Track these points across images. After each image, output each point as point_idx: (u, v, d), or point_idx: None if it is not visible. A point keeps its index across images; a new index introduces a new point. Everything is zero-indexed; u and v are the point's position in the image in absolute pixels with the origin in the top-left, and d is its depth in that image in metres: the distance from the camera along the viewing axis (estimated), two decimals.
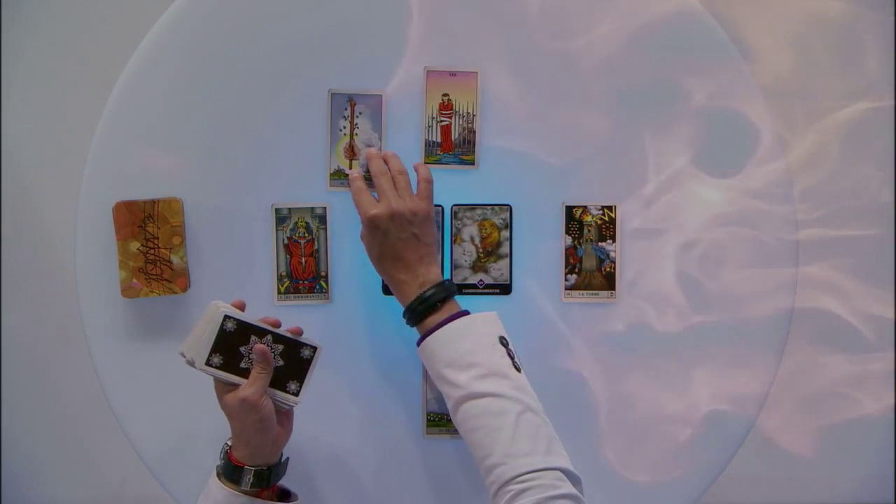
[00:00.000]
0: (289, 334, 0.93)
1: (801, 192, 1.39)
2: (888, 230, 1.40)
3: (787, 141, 1.39)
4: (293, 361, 0.92)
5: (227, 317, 0.90)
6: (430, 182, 0.97)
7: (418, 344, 0.92)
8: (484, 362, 0.86)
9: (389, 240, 0.93)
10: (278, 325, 0.93)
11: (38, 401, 1.33)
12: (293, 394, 0.92)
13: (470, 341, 0.88)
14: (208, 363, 0.90)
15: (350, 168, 1.04)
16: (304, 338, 0.93)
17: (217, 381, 0.91)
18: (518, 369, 0.87)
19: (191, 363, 0.90)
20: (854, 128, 1.40)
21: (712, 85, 1.05)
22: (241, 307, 0.92)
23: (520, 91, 1.04)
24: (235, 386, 0.90)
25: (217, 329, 0.90)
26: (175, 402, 1.03)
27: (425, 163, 1.04)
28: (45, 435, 1.34)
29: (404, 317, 0.94)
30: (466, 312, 0.92)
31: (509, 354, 0.87)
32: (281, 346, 0.92)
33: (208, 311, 0.91)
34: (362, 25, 1.03)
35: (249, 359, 0.90)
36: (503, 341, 0.88)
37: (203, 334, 0.90)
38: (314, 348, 0.93)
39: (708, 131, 1.05)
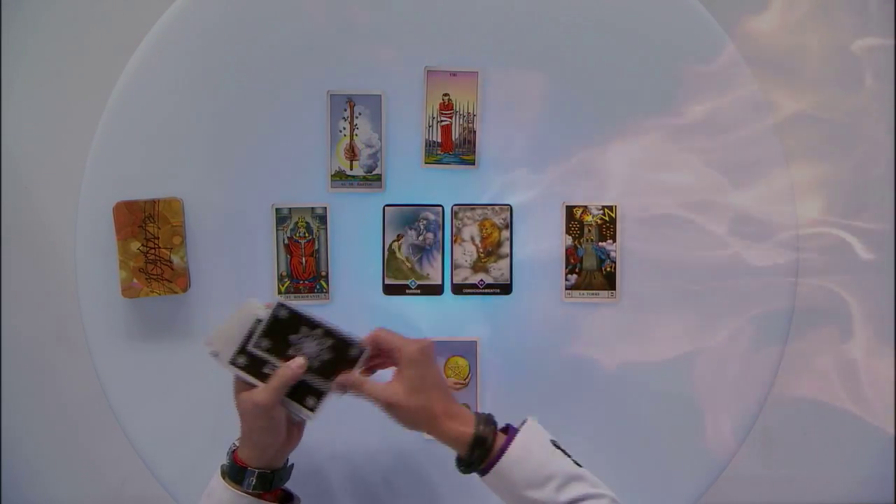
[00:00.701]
0: (340, 330, 0.90)
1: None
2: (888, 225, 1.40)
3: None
4: (340, 358, 0.89)
5: (259, 321, 0.90)
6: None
7: (483, 473, 0.89)
8: (556, 472, 0.87)
9: (435, 371, 0.90)
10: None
11: (38, 401, 1.33)
12: (309, 409, 0.91)
13: (534, 458, 0.87)
14: (233, 362, 0.89)
15: (351, 168, 1.04)
16: (352, 336, 0.90)
17: (238, 380, 0.91)
18: (579, 465, 0.88)
19: (214, 355, 0.89)
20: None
21: (713, 85, 1.05)
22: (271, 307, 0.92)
23: (520, 91, 1.04)
24: (254, 385, 0.89)
25: (247, 330, 0.89)
26: (175, 402, 1.03)
27: (426, 162, 1.04)
28: (45, 435, 1.34)
29: (461, 466, 0.90)
30: (508, 426, 0.91)
31: (566, 454, 0.88)
32: (330, 341, 0.89)
33: (243, 308, 0.90)
34: (362, 25, 1.03)
35: (273, 366, 0.89)
36: (555, 443, 0.89)
37: (233, 331, 0.89)
38: (361, 350, 0.90)
39: (709, 131, 1.05)
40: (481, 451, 0.87)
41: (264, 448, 0.90)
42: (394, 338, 0.90)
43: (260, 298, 0.92)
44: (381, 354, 0.91)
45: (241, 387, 0.90)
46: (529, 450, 0.88)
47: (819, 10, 1.38)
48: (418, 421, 0.88)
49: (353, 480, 1.05)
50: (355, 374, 0.90)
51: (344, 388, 0.89)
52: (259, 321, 0.89)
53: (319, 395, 0.91)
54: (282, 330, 0.89)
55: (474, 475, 0.88)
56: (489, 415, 0.90)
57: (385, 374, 0.90)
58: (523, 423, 0.90)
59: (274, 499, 0.92)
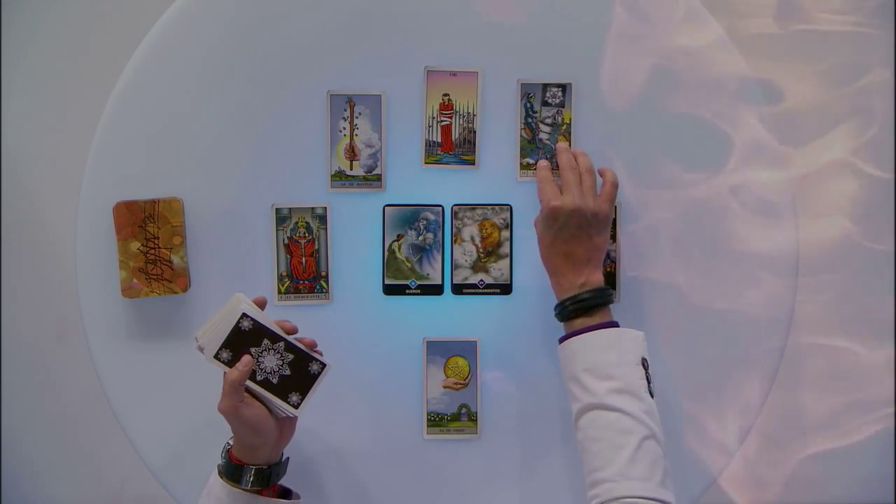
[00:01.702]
0: (302, 346, 0.92)
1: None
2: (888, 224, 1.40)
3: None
4: (300, 373, 0.91)
5: (244, 315, 0.90)
6: (616, 186, 0.98)
7: (561, 341, 0.91)
8: (623, 377, 0.86)
9: (564, 234, 0.93)
10: (294, 331, 0.92)
11: (38, 401, 1.33)
12: (293, 405, 0.91)
13: (615, 354, 0.87)
14: (217, 357, 0.89)
15: (351, 168, 1.04)
16: (317, 351, 0.93)
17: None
18: (651, 395, 0.87)
19: (201, 350, 0.90)
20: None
21: (714, 86, 1.05)
22: (263, 304, 0.92)
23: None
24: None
25: (233, 325, 0.90)
26: (175, 402, 1.03)
27: (426, 162, 1.04)
28: (45, 435, 1.34)
29: (556, 310, 0.94)
30: (616, 324, 0.92)
31: (647, 378, 0.87)
32: (291, 356, 0.91)
33: (230, 302, 0.90)
34: (362, 25, 1.03)
35: (258, 361, 0.90)
36: (644, 363, 0.88)
37: (220, 325, 0.90)
38: (323, 365, 0.92)
39: (709, 132, 1.05)
40: (574, 306, 0.91)
41: (255, 447, 0.90)
42: (545, 184, 0.96)
43: (254, 296, 0.92)
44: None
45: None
46: (612, 346, 0.88)
47: None
48: (560, 246, 0.94)
49: (352, 480, 1.05)
50: (548, 173, 0.97)
51: (315, 369, 0.91)
52: (245, 316, 0.89)
53: (304, 391, 0.91)
54: (244, 341, 0.89)
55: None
56: (608, 291, 0.93)
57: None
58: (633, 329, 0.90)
59: (272, 494, 0.92)
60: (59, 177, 1.28)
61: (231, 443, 0.93)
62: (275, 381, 0.90)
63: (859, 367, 1.40)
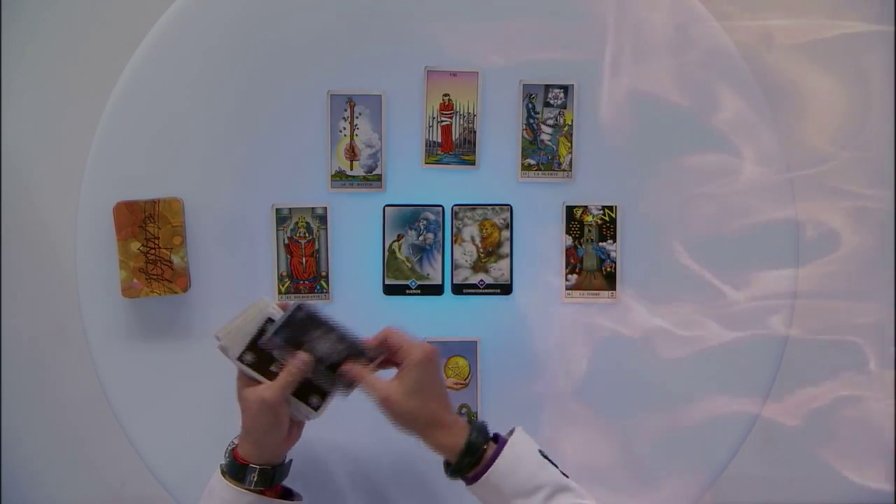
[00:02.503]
0: (357, 337, 0.90)
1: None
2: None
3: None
4: (320, 378, 0.90)
5: (269, 319, 0.90)
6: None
7: (471, 482, 0.89)
8: (545, 482, 0.86)
9: (440, 376, 0.90)
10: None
11: (38, 401, 1.33)
12: (314, 408, 0.91)
13: (524, 468, 0.87)
14: (240, 359, 0.89)
15: (351, 168, 1.04)
16: (370, 349, 0.91)
17: (241, 374, 0.91)
18: (566, 476, 0.88)
19: (223, 350, 0.89)
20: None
21: (714, 86, 1.05)
22: (285, 309, 0.92)
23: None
24: (258, 382, 0.89)
25: (257, 330, 0.89)
26: (175, 402, 1.03)
27: (426, 163, 1.04)
28: (45, 435, 1.34)
29: (450, 468, 0.89)
30: (498, 436, 0.90)
31: (553, 464, 0.88)
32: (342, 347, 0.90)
33: (256, 305, 0.90)
34: (362, 25, 1.03)
35: (280, 364, 0.90)
36: (542, 454, 0.89)
37: (244, 328, 0.89)
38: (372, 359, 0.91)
39: (711, 133, 1.05)
40: (471, 459, 0.87)
41: (266, 445, 0.90)
42: (401, 338, 0.90)
43: (270, 298, 0.92)
44: (387, 354, 0.91)
45: (246, 383, 0.90)
46: (518, 460, 0.87)
47: None
48: (411, 424, 0.88)
49: (353, 480, 1.05)
50: (359, 366, 0.91)
51: (347, 381, 0.89)
52: (270, 321, 0.89)
53: (324, 394, 0.91)
54: (296, 330, 0.89)
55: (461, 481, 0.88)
56: (483, 424, 0.90)
57: (389, 374, 0.90)
58: (511, 432, 0.90)
59: (275, 495, 0.92)
60: (59, 177, 1.29)
61: (235, 442, 0.93)
62: (323, 368, 0.89)
63: (860, 367, 1.40)
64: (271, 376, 0.89)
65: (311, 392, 0.91)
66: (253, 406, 0.88)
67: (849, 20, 1.34)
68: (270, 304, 0.90)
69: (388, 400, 0.87)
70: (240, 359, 0.89)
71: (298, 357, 0.88)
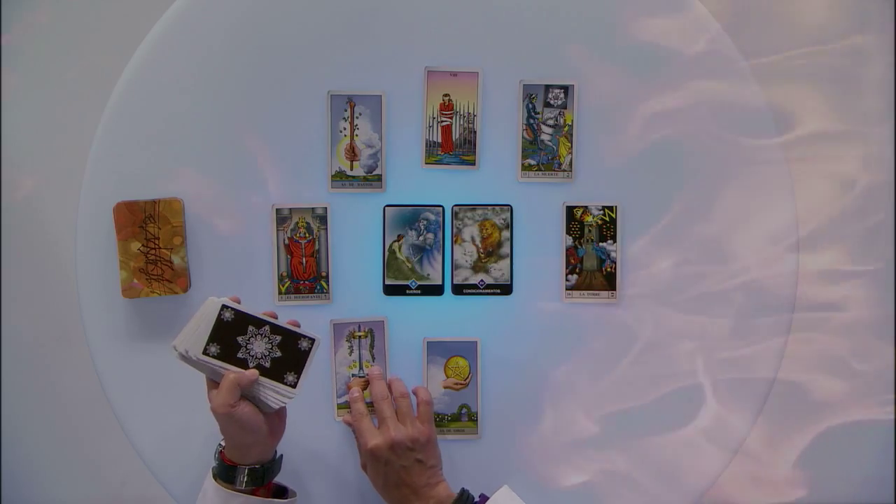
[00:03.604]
0: (288, 326, 0.92)
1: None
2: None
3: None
4: (291, 353, 0.92)
5: (224, 307, 0.90)
6: (430, 404, 0.98)
7: None
8: None
9: (393, 469, 0.93)
10: (275, 318, 0.93)
11: (38, 401, 1.33)
12: (291, 385, 0.92)
13: None
14: (205, 352, 0.89)
15: (351, 169, 1.04)
16: (303, 329, 0.93)
17: (209, 378, 0.91)
18: None
19: (184, 356, 0.89)
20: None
21: (714, 86, 1.05)
22: (238, 302, 0.92)
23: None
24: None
25: (214, 319, 0.90)
26: (175, 402, 1.03)
27: (426, 163, 1.04)
28: (45, 435, 1.34)
29: None
30: (486, 497, 0.94)
31: None
32: (279, 337, 0.91)
33: (204, 306, 0.91)
34: (362, 25, 1.03)
35: (247, 349, 0.90)
36: None
37: (198, 327, 0.90)
38: (312, 340, 0.93)
39: (711, 132, 1.05)
40: None
41: (247, 447, 0.90)
42: (360, 424, 0.95)
43: (260, 299, 0.92)
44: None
45: (212, 386, 0.90)
46: None
47: None
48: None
49: (353, 480, 1.05)
50: (361, 405, 0.96)
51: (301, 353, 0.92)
52: (225, 307, 0.90)
53: (298, 370, 0.91)
54: (229, 332, 0.89)
55: None
56: (465, 492, 0.93)
57: None
58: (498, 490, 0.93)
59: (267, 493, 0.92)
60: (59, 177, 1.28)
61: (223, 444, 0.93)
62: (267, 364, 0.90)
63: (860, 367, 1.40)
64: (241, 363, 0.89)
65: (285, 370, 0.91)
66: (214, 414, 0.89)
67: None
68: (219, 299, 0.91)
69: (365, 460, 0.95)
70: (204, 353, 0.89)
71: (245, 374, 0.89)
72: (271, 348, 0.91)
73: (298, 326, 0.93)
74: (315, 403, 1.01)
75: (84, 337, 1.03)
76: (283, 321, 0.92)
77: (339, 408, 1.04)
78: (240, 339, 0.90)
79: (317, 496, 1.04)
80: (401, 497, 0.93)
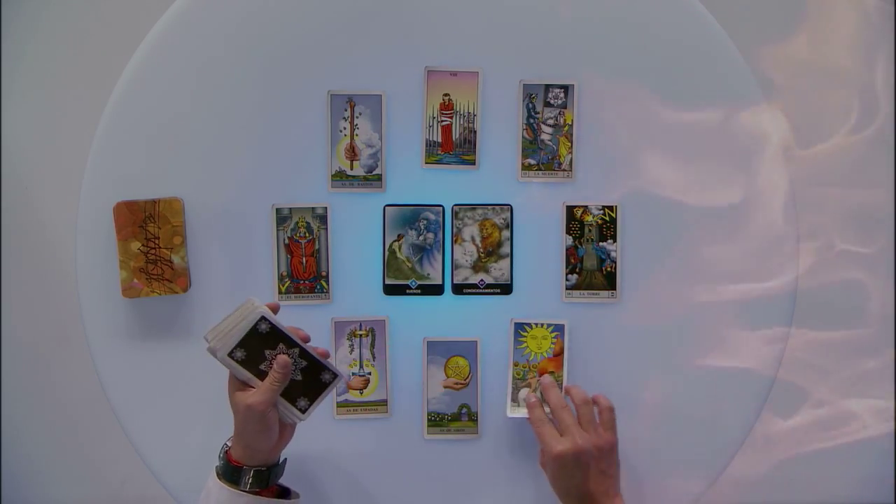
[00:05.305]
0: (316, 355, 0.92)
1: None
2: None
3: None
4: (311, 381, 0.92)
5: (263, 318, 0.90)
6: (612, 411, 0.98)
7: None
8: None
9: (576, 478, 0.93)
10: (307, 340, 0.93)
11: (38, 401, 1.33)
12: (301, 410, 0.92)
13: None
14: (231, 355, 0.90)
15: (351, 168, 1.04)
16: (329, 362, 0.93)
17: (232, 375, 0.91)
18: None
19: (212, 351, 0.90)
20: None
21: (715, 87, 1.05)
22: (276, 310, 0.92)
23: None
24: (249, 387, 0.90)
25: (250, 327, 0.90)
26: (175, 402, 1.03)
27: (426, 162, 1.04)
28: (45, 435, 1.34)
29: None
30: None
31: None
32: (305, 363, 0.92)
33: (244, 306, 0.91)
34: (362, 25, 1.03)
35: (270, 363, 0.90)
36: None
37: (234, 327, 0.90)
38: (335, 375, 0.93)
39: (711, 132, 1.05)
40: None
41: (258, 448, 0.90)
42: (542, 429, 0.96)
43: (261, 299, 0.92)
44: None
45: (236, 386, 0.90)
46: None
47: None
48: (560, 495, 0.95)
49: (353, 480, 1.05)
50: (541, 412, 0.97)
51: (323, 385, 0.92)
52: (263, 319, 0.90)
53: (312, 397, 0.92)
54: (259, 343, 0.90)
55: None
56: None
57: None
58: None
59: (271, 495, 0.92)
60: (59, 177, 1.28)
61: (229, 444, 0.93)
62: (286, 384, 0.91)
63: (860, 367, 1.40)
64: (261, 375, 0.90)
65: (299, 394, 0.91)
66: (241, 411, 0.88)
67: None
68: (258, 303, 0.91)
69: (545, 461, 0.96)
70: (230, 356, 0.89)
71: (281, 362, 0.89)
72: (294, 371, 0.91)
73: (327, 357, 0.93)
74: (319, 407, 1.01)
75: (84, 337, 1.03)
76: (313, 344, 0.93)
77: (339, 406, 1.04)
78: (267, 352, 0.90)
79: (317, 496, 1.04)
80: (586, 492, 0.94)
